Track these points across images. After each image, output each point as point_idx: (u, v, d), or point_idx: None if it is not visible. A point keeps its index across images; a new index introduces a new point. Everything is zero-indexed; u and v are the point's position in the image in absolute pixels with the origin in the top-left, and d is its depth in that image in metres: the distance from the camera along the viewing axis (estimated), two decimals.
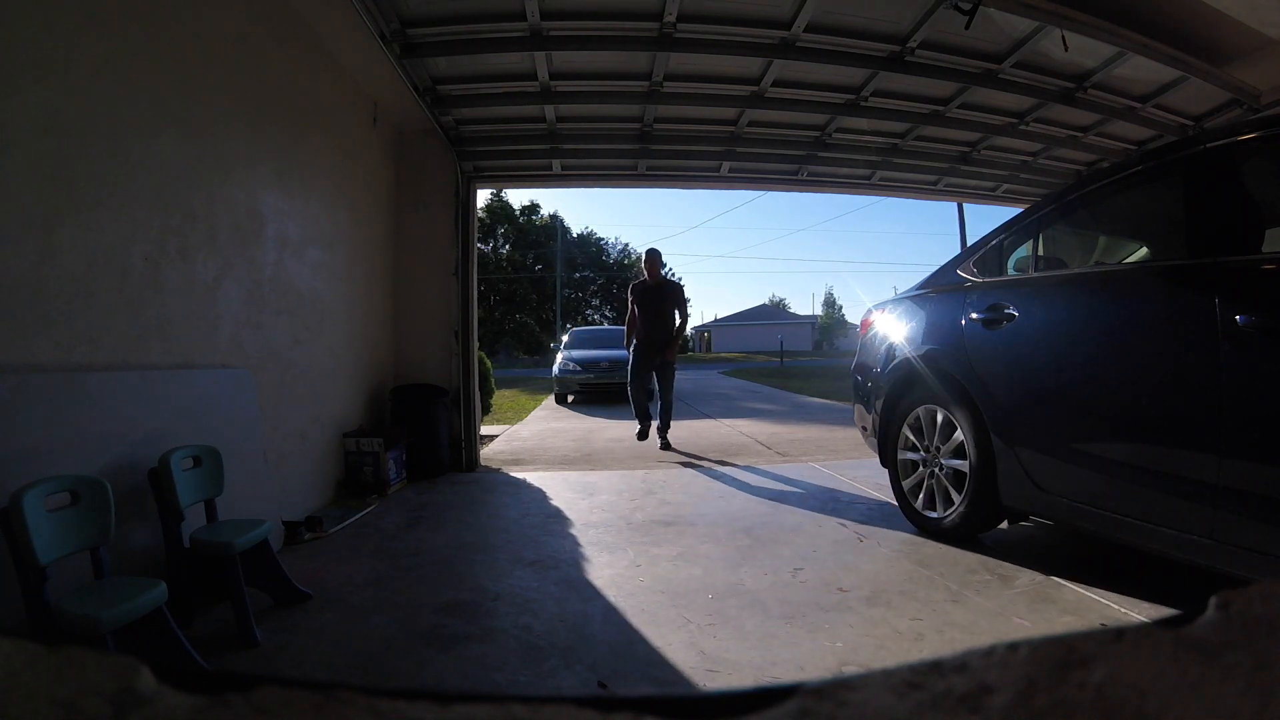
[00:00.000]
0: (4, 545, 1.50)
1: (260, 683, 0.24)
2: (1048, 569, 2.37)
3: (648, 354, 5.35)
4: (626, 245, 44.18)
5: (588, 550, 2.77)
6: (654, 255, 5.46)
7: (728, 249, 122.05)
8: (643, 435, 5.46)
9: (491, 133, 4.76)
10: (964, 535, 2.67)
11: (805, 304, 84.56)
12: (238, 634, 1.95)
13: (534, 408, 10.20)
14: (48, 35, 1.83)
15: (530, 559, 2.66)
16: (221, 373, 2.60)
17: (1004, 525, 2.76)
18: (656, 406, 5.60)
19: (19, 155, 1.75)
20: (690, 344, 54.34)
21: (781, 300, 64.44)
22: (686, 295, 5.55)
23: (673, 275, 35.28)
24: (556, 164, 5.10)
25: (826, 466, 4.62)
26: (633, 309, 5.48)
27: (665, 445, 5.48)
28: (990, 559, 2.51)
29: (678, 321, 5.43)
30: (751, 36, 3.55)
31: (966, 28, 3.23)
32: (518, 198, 32.84)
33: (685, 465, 4.80)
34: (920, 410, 2.89)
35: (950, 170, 5.46)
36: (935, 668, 0.25)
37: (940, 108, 4.44)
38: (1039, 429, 2.32)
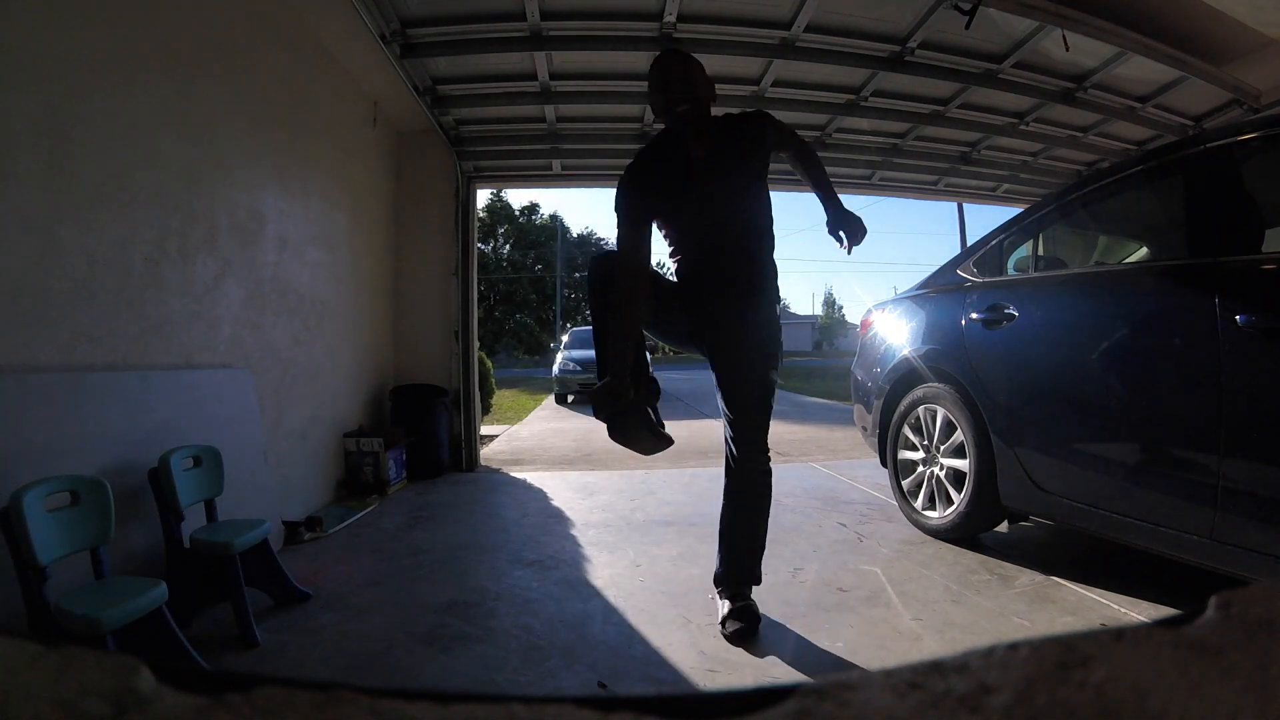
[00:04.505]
0: (4, 545, 1.50)
1: (260, 683, 0.24)
2: (1048, 569, 2.37)
3: (708, 319, 2.05)
4: None
5: (588, 550, 2.77)
6: (683, 60, 1.89)
7: None
8: (748, 625, 1.87)
9: (491, 133, 4.75)
10: (964, 535, 2.67)
11: (805, 304, 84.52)
12: (238, 634, 1.94)
13: (534, 408, 10.21)
14: (48, 35, 1.83)
15: (530, 559, 2.66)
16: (221, 373, 2.60)
17: (1003, 526, 2.77)
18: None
19: (19, 155, 1.75)
20: None
21: (782, 300, 64.29)
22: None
23: None
24: (556, 164, 5.10)
25: (826, 466, 4.62)
26: (635, 230, 1.87)
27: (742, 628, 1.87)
28: (990, 559, 2.51)
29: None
30: (751, 37, 3.54)
31: (967, 28, 3.23)
32: (518, 198, 32.86)
33: (685, 465, 4.80)
34: (920, 410, 2.88)
35: (950, 170, 5.45)
36: (935, 668, 0.25)
37: (940, 108, 4.44)
38: (1039, 429, 2.32)
